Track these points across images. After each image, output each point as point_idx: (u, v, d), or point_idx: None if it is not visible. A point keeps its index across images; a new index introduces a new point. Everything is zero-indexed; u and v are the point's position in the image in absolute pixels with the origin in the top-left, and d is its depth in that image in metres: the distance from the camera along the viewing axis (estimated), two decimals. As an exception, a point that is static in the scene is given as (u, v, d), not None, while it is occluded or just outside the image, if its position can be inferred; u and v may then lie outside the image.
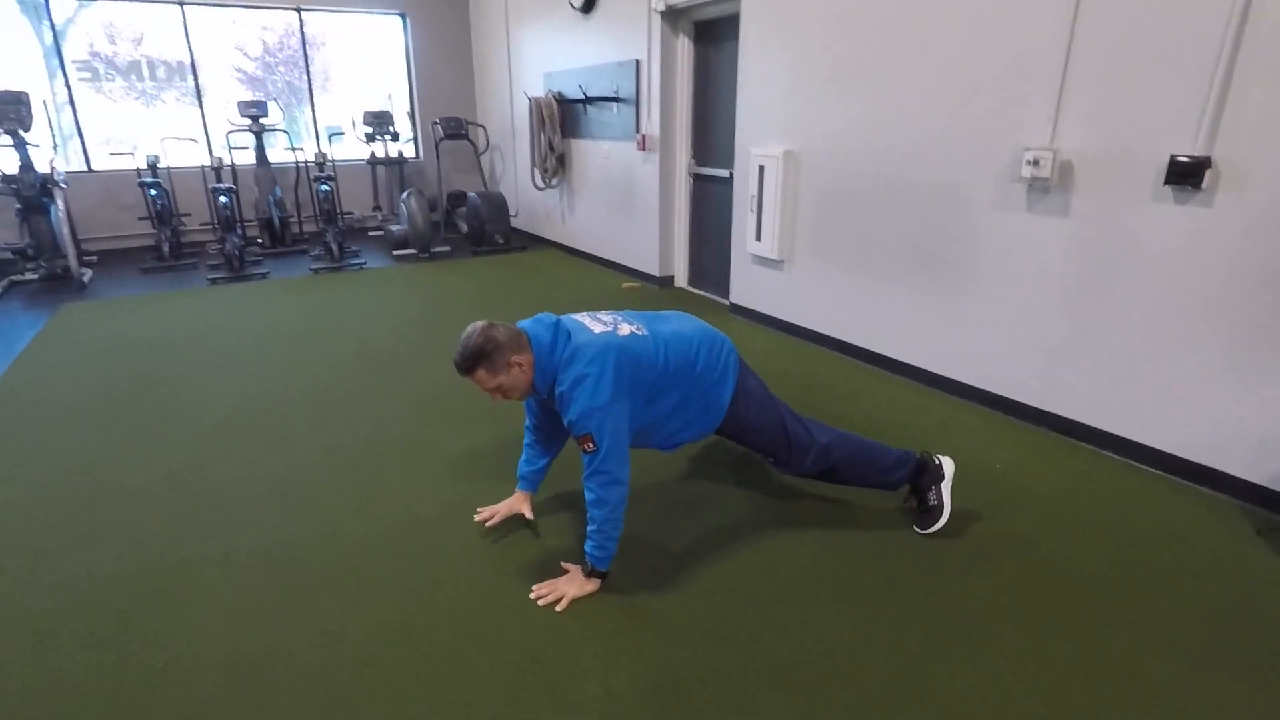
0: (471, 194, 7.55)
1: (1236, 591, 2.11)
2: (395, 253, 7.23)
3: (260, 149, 7.51)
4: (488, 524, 2.39)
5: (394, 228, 7.39)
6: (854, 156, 3.88)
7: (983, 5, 3.11)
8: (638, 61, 5.54)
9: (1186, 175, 2.52)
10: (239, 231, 6.76)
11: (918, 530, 2.39)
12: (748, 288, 4.88)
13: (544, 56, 6.96)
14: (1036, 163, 2.95)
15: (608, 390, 1.93)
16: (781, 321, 4.62)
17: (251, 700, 1.73)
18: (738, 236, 4.85)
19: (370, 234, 8.33)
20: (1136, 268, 2.76)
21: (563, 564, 2.21)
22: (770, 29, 4.26)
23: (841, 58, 3.83)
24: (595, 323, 2.10)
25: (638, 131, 5.69)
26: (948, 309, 3.52)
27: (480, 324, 1.99)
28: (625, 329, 2.08)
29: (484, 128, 8.40)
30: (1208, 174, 2.49)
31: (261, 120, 7.41)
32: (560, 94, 6.72)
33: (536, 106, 6.82)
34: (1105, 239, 2.83)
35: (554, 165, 6.98)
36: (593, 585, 2.09)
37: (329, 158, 7.55)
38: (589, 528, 2.04)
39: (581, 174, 6.78)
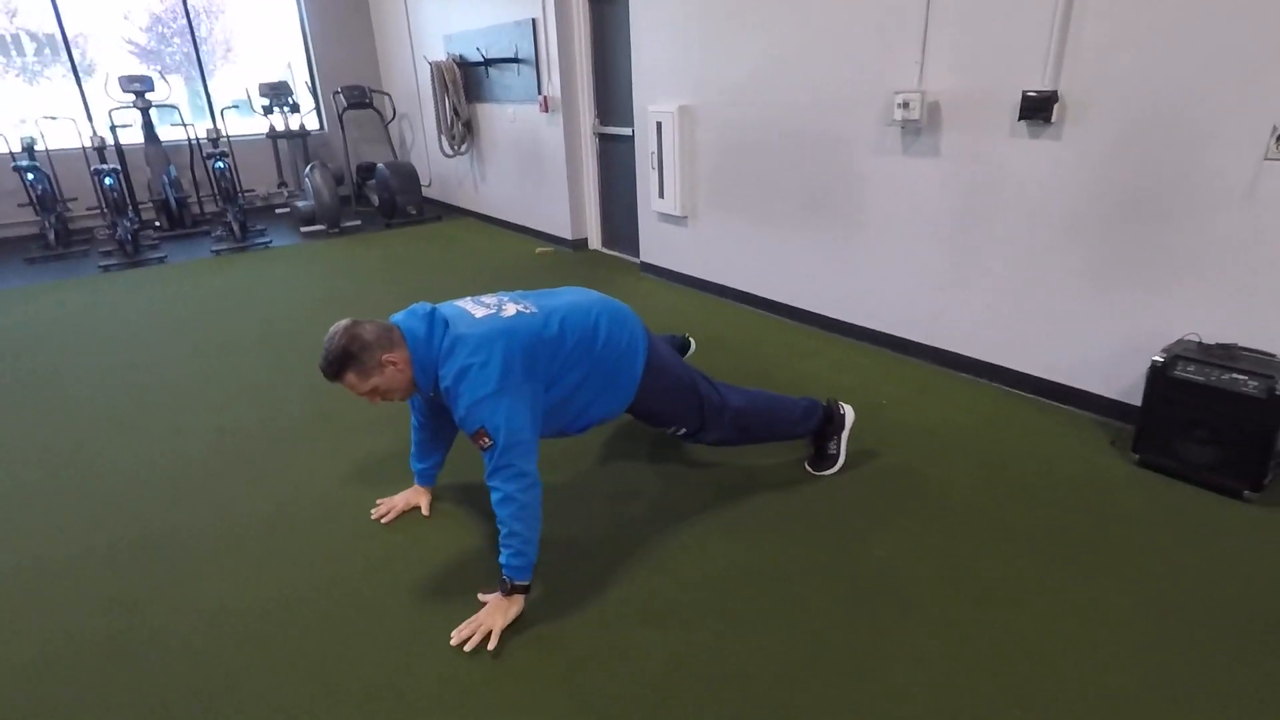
0: (380, 165, 7.32)
1: (1092, 497, 2.28)
2: (303, 229, 6.98)
3: (148, 126, 7.10)
4: (384, 520, 2.29)
5: (300, 204, 7.12)
6: (745, 109, 3.90)
7: (852, -51, 3.15)
8: (534, 20, 5.42)
9: (1037, 110, 2.64)
10: (131, 215, 6.41)
11: (809, 469, 2.47)
12: (655, 245, 4.91)
13: (442, 18, 6.74)
14: (907, 105, 3.03)
15: (495, 378, 1.77)
16: (688, 277, 4.67)
17: (128, 686, 1.71)
18: (642, 194, 4.85)
19: (277, 211, 8.02)
20: (1001, 201, 2.88)
21: (479, 595, 1.93)
22: (659, -19, 4.22)
23: (728, 11, 3.82)
24: (477, 307, 1.93)
25: (540, 93, 5.59)
26: (838, 254, 3.62)
27: (343, 323, 1.82)
28: (511, 309, 1.92)
29: (389, 95, 8.11)
30: (1055, 108, 2.61)
31: (148, 95, 6.99)
32: (461, 57, 6.53)
33: (438, 71, 6.61)
34: (972, 176, 2.95)
35: (461, 131, 6.82)
36: (517, 606, 1.84)
37: (223, 133, 7.19)
38: (501, 533, 1.80)
39: (490, 139, 6.64)
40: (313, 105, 8.45)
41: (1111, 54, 2.45)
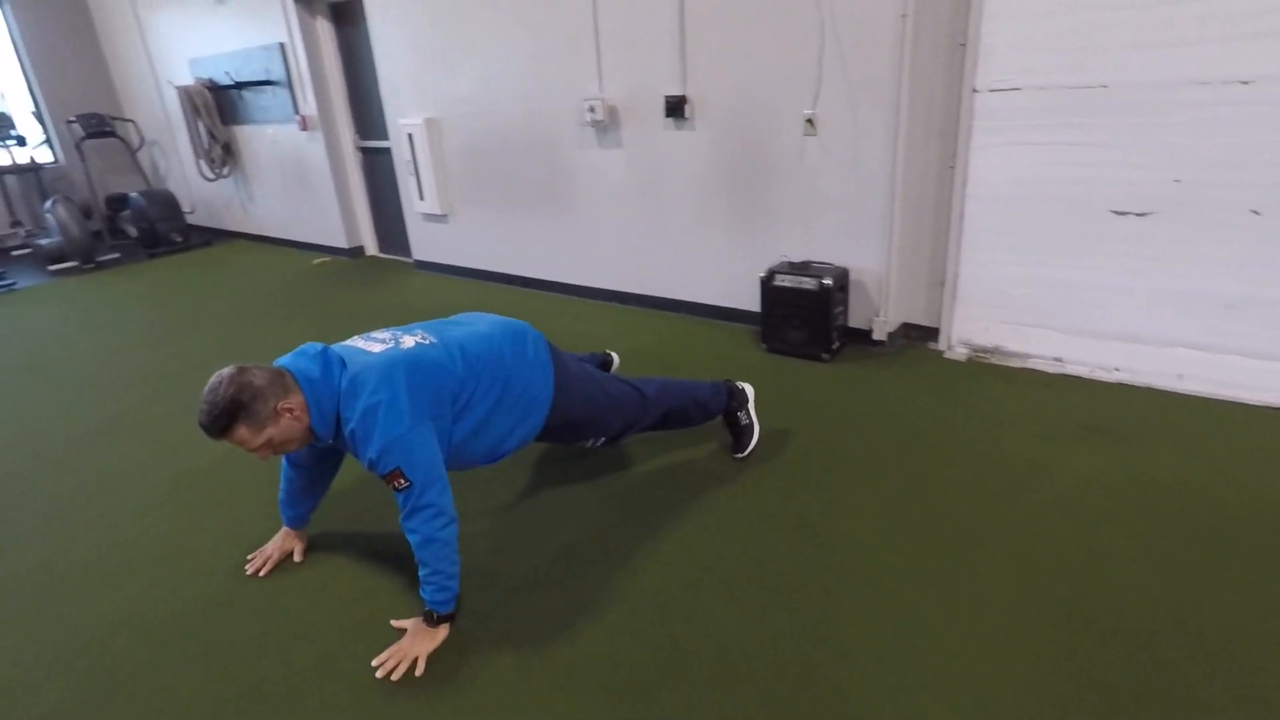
0: (134, 194, 7.15)
1: (739, 375, 3.23)
2: (51, 268, 6.67)
3: None
4: (261, 574, 2.06)
5: (43, 241, 6.78)
6: (480, 119, 4.65)
7: (538, -10, 4.01)
8: (282, 45, 5.77)
9: (676, 109, 3.65)
10: None
11: (737, 455, 2.54)
12: (425, 243, 5.51)
13: (185, 43, 6.77)
14: (594, 109, 3.94)
15: (406, 415, 1.68)
16: (456, 268, 5.34)
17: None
18: (406, 199, 5.43)
19: (14, 254, 7.49)
20: (666, 178, 3.88)
21: (393, 623, 1.89)
22: (391, 10, 4.83)
23: (451, 37, 4.54)
24: (372, 343, 1.83)
25: (297, 113, 5.94)
26: (565, 231, 4.49)
27: (228, 370, 1.64)
28: (409, 341, 1.84)
29: (134, 122, 7.86)
30: (686, 106, 3.63)
31: None
32: (211, 81, 6.64)
33: (188, 96, 6.66)
34: (646, 160, 3.92)
35: (220, 154, 6.91)
36: (443, 632, 1.81)
37: (-63, 173, 6.66)
38: (422, 572, 1.78)
39: (253, 160, 6.81)
40: (44, 137, 7.95)
41: (713, 69, 3.50)
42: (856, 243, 3.35)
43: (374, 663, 1.76)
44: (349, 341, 1.88)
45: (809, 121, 3.27)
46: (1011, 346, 3.21)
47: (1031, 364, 3.16)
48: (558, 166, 4.34)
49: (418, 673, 1.74)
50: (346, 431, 1.71)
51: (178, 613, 2.02)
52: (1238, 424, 2.59)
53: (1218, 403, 2.74)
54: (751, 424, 2.56)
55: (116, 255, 6.98)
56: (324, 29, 5.66)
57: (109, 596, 2.11)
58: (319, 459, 2.02)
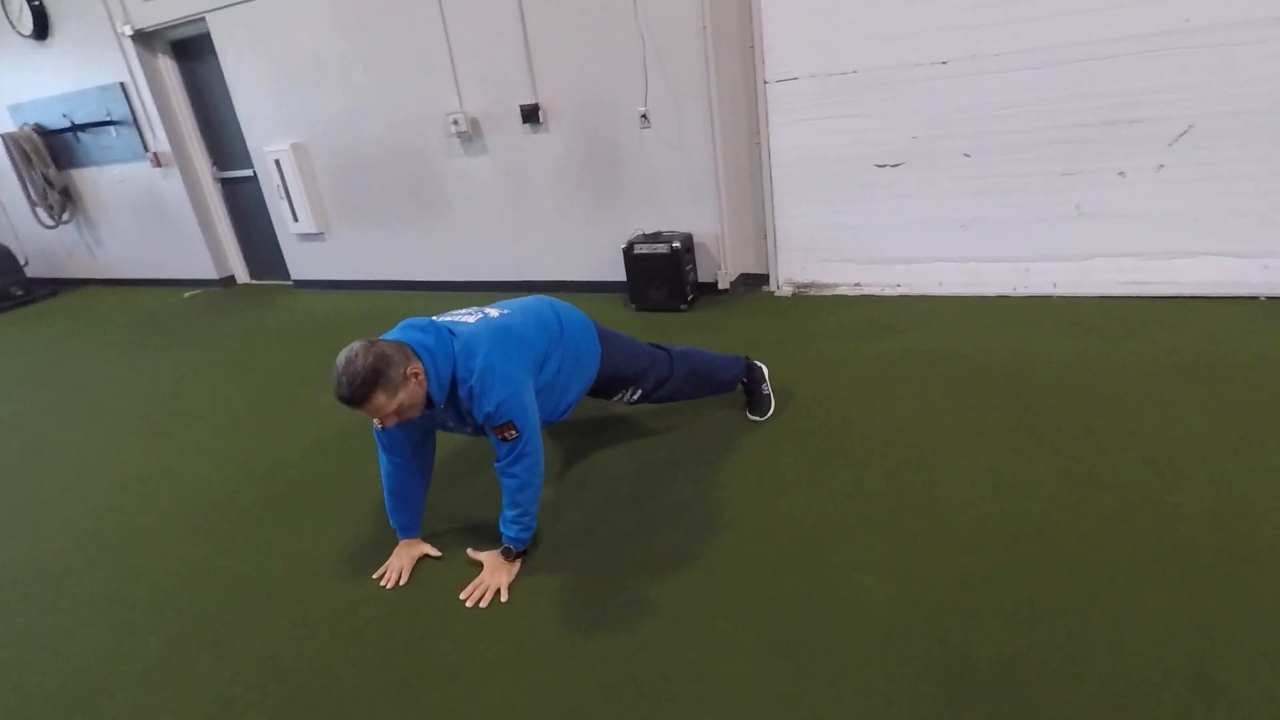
0: (-41, 251, 6.77)
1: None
2: (-124, 337, 6.23)
3: None
4: (402, 582, 2.12)
5: None
6: (350, 137, 5.01)
7: (395, 7, 4.47)
8: (122, 84, 5.79)
9: (531, 115, 4.24)
10: None
11: (753, 418, 2.78)
12: (303, 263, 5.76)
13: (5, 88, 6.53)
14: (457, 122, 4.45)
15: (518, 372, 1.92)
16: (337, 281, 5.64)
17: None
18: (278, 223, 5.65)
19: None
20: (530, 176, 4.47)
21: (470, 553, 2.12)
22: (244, 43, 5.08)
23: (311, 61, 4.88)
24: (465, 315, 2.05)
25: (147, 151, 5.96)
26: (442, 234, 4.97)
27: (358, 344, 1.76)
28: (494, 313, 2.09)
29: (-54, 177, 7.39)
30: (540, 112, 4.23)
31: None
32: (40, 125, 6.46)
33: (14, 143, 6.44)
34: (509, 162, 4.49)
35: (59, 201, 6.71)
36: (518, 565, 2.07)
37: None
38: (510, 512, 2.01)
39: (98, 203, 6.68)
40: None
41: (558, 78, 4.13)
42: (695, 212, 4.10)
43: (461, 595, 2.00)
44: (440, 316, 2.06)
45: (643, 116, 3.98)
46: (823, 280, 4.07)
47: (839, 291, 4.03)
48: (429, 176, 4.81)
49: (503, 599, 1.97)
50: (464, 390, 1.88)
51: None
52: (977, 310, 3.55)
53: (966, 298, 3.71)
54: (771, 396, 2.80)
55: (-51, 317, 6.60)
56: (167, 66, 5.75)
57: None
58: (418, 446, 2.12)
